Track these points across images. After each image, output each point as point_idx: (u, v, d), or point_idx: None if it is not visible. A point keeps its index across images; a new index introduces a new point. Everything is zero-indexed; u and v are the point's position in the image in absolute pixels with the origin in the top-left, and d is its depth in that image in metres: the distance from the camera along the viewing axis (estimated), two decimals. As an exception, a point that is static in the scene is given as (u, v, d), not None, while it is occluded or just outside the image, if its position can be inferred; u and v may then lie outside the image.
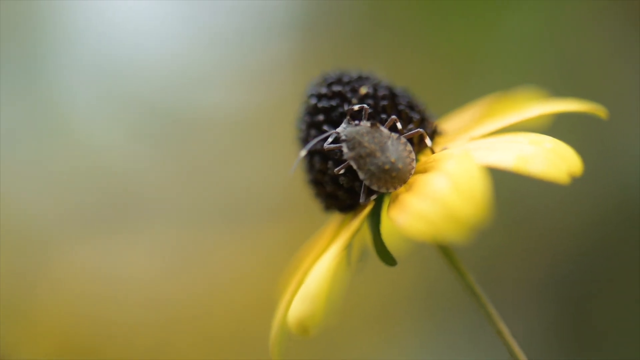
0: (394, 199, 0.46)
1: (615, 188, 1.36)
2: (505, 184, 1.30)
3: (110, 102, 1.72)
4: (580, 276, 1.38)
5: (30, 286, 1.42)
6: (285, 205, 1.59)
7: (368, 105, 0.50)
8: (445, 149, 0.49)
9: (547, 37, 1.53)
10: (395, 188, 0.47)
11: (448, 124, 0.57)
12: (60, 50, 1.76)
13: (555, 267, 1.40)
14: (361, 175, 0.48)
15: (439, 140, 0.53)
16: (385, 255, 0.49)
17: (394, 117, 0.49)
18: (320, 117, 0.52)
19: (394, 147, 0.48)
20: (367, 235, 0.51)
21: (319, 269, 0.45)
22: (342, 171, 0.49)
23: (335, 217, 0.54)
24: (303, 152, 0.50)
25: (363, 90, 0.50)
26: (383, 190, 0.48)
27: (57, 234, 1.54)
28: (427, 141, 0.50)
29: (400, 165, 0.47)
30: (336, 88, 0.52)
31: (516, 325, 1.36)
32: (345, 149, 0.48)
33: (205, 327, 1.43)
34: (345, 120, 0.49)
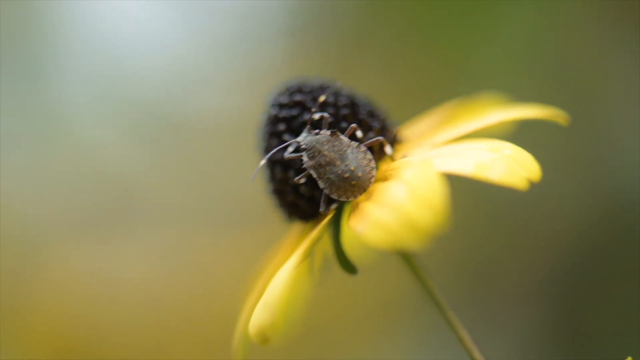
0: (354, 208, 0.46)
1: (611, 191, 1.36)
2: (500, 189, 1.29)
3: (108, 105, 1.72)
4: (577, 279, 1.38)
5: (27, 287, 1.42)
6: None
7: (329, 114, 0.50)
8: (405, 156, 0.49)
9: (544, 36, 1.53)
10: (355, 197, 0.47)
11: (409, 131, 0.57)
12: (59, 51, 1.76)
13: (553, 270, 1.40)
14: (321, 184, 0.48)
15: (400, 147, 0.53)
16: (345, 264, 0.49)
17: (353, 125, 0.49)
18: (281, 127, 0.52)
19: (353, 155, 0.48)
20: (328, 244, 0.51)
21: (279, 278, 0.45)
22: (302, 180, 0.49)
23: (297, 226, 0.55)
24: (262, 162, 0.50)
25: (322, 98, 0.50)
26: (343, 198, 0.48)
27: (54, 236, 1.54)
28: (388, 149, 0.50)
29: (359, 174, 0.47)
30: (297, 97, 0.52)
31: (514, 328, 1.36)
32: (305, 158, 0.48)
33: (202, 329, 1.43)
34: (305, 129, 0.49)
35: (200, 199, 1.62)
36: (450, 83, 1.56)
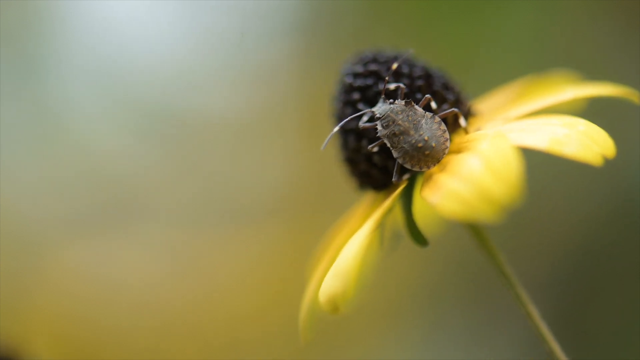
0: (427, 179, 0.46)
1: (617, 189, 1.36)
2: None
3: (108, 103, 1.71)
4: (581, 277, 1.38)
5: (26, 288, 1.42)
6: (284, 207, 1.59)
7: (403, 84, 0.50)
8: (479, 129, 0.50)
9: (546, 34, 1.53)
10: (428, 167, 0.47)
11: (482, 105, 0.57)
12: (59, 51, 1.75)
13: (556, 268, 1.40)
14: (395, 154, 0.48)
15: (473, 121, 0.53)
16: (416, 235, 0.49)
17: (428, 96, 0.49)
18: (356, 96, 0.52)
19: (427, 125, 0.48)
20: (399, 215, 0.51)
21: (351, 247, 0.45)
22: (375, 149, 0.49)
23: (368, 196, 0.55)
24: (336, 128, 0.50)
25: (394, 65, 0.50)
26: (416, 168, 0.48)
27: (54, 236, 1.53)
28: (462, 121, 0.50)
29: (433, 144, 0.47)
30: (372, 67, 0.52)
31: (516, 325, 1.36)
32: (379, 127, 0.48)
33: (202, 330, 1.42)
34: (380, 99, 0.49)
35: (201, 198, 1.61)
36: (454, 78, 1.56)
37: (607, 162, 0.43)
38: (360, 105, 0.51)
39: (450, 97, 0.52)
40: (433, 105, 0.49)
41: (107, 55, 1.71)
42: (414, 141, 0.47)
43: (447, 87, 0.52)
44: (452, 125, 0.51)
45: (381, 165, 0.51)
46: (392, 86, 0.50)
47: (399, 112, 0.48)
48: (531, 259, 1.41)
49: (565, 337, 1.35)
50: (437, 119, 0.48)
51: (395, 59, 0.52)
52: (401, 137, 0.48)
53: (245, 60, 1.74)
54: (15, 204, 1.53)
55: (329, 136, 0.49)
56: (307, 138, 1.60)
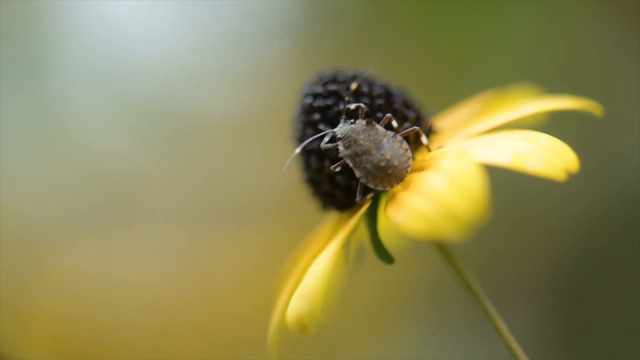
0: (391, 198, 0.46)
1: (615, 188, 1.35)
2: (505, 184, 1.29)
3: (109, 103, 1.71)
4: (580, 276, 1.37)
5: (26, 288, 1.42)
6: (284, 207, 1.59)
7: (364, 104, 0.50)
8: (441, 147, 0.49)
9: (545, 35, 1.52)
10: (391, 186, 0.47)
11: (444, 122, 0.57)
12: (59, 51, 1.75)
13: (555, 267, 1.40)
14: (357, 174, 0.48)
15: (435, 138, 0.53)
16: (382, 254, 0.49)
17: (389, 115, 0.49)
18: (316, 116, 0.52)
19: (389, 144, 0.48)
20: (364, 233, 0.51)
21: (317, 267, 0.45)
22: (338, 169, 0.49)
23: (332, 216, 0.54)
24: (297, 150, 0.50)
25: (353, 85, 0.50)
26: (379, 188, 0.48)
27: (55, 236, 1.53)
28: (423, 139, 0.50)
29: (396, 163, 0.47)
30: (331, 87, 0.52)
31: (516, 325, 1.36)
32: (341, 147, 0.48)
33: (202, 330, 1.42)
34: (341, 120, 0.49)
35: (201, 198, 1.61)
36: (453, 81, 1.56)
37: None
38: (321, 126, 0.51)
39: (411, 114, 0.52)
40: (394, 124, 0.49)
41: (107, 55, 1.71)
42: (376, 160, 0.47)
43: (407, 105, 0.52)
44: (414, 143, 0.50)
45: (344, 185, 0.51)
46: (352, 106, 0.50)
47: (361, 132, 0.48)
48: (529, 260, 1.41)
49: (564, 337, 1.35)
50: (399, 137, 0.48)
51: (354, 78, 0.52)
52: (363, 157, 0.48)
53: (245, 60, 1.73)
54: (15, 204, 1.53)
55: (290, 157, 0.49)
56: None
